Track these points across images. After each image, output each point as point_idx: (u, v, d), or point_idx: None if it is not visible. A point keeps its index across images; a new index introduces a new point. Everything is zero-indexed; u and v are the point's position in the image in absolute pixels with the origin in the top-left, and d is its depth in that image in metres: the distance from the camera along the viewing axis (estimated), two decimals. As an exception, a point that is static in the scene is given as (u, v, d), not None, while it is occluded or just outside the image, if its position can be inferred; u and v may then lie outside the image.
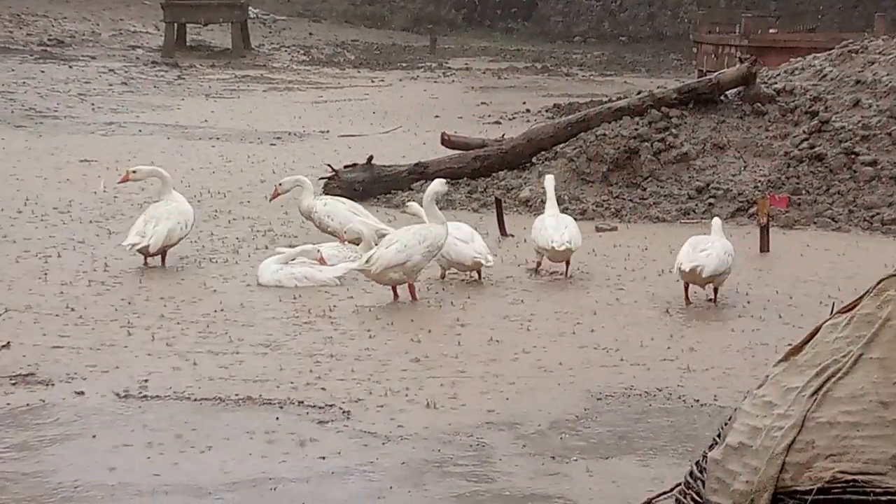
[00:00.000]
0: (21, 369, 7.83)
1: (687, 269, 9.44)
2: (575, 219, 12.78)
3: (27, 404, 7.25)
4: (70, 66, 27.46)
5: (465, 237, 10.32)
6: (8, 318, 9.00)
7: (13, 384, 7.58)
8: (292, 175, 12.73)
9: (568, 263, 10.55)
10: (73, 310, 9.24)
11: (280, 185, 11.75)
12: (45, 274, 10.31)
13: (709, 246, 9.60)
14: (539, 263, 10.62)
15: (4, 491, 6.09)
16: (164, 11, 31.79)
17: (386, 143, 18.00)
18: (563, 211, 13.00)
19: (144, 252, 10.59)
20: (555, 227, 10.48)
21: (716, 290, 9.68)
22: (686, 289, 9.64)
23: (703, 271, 9.39)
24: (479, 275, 10.34)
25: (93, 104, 22.42)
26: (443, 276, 10.41)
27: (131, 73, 27.39)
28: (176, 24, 31.90)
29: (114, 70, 27.42)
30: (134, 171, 11.18)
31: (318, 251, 10.42)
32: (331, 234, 11.26)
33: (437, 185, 10.01)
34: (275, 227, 12.35)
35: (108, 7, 36.41)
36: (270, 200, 12.11)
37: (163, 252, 10.68)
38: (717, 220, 10.11)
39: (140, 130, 19.41)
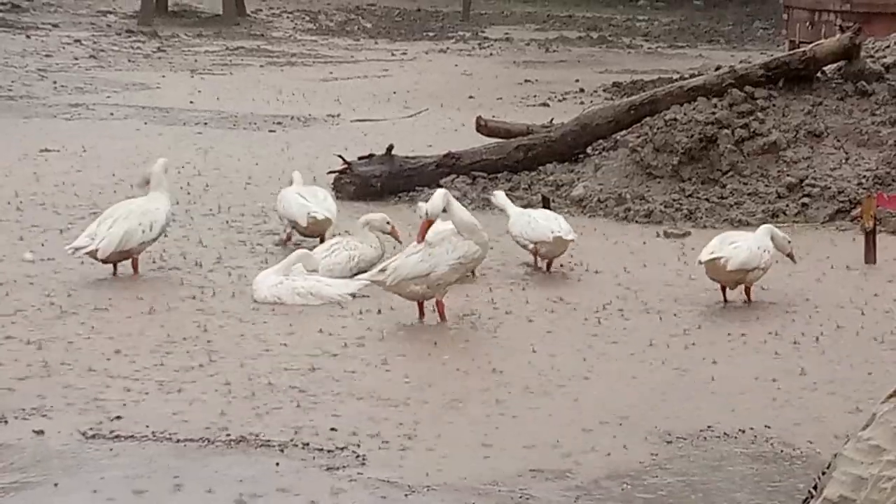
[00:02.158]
0: (-32, 403, 7.88)
1: (704, 259, 10.03)
2: (639, 222, 12.89)
3: (-24, 445, 7.30)
4: (28, 36, 27.64)
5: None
6: (-48, 340, 9.06)
7: (-41, 421, 7.63)
8: (293, 171, 12.78)
9: (550, 263, 11.16)
10: (30, 333, 9.29)
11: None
12: (-3, 288, 10.38)
13: (740, 240, 10.17)
14: (536, 261, 11.18)
15: (-52, 551, 6.13)
16: (142, -30, 31.95)
17: (409, 129, 18.05)
18: (625, 212, 13.08)
19: (94, 257, 10.60)
20: (545, 217, 11.14)
21: (747, 291, 10.12)
22: (723, 290, 10.14)
23: (727, 264, 9.88)
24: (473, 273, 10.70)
25: (55, 82, 22.56)
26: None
27: (101, 44, 27.55)
28: (155, -15, 32.04)
29: (80, 41, 27.59)
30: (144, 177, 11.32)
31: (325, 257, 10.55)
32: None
33: (378, 219, 10.90)
34: (273, 228, 12.37)
35: (73, -36, 36.60)
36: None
37: (121, 259, 10.65)
38: (764, 227, 10.56)
39: (111, 114, 19.52)
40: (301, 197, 11.78)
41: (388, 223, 11.14)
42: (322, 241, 11.55)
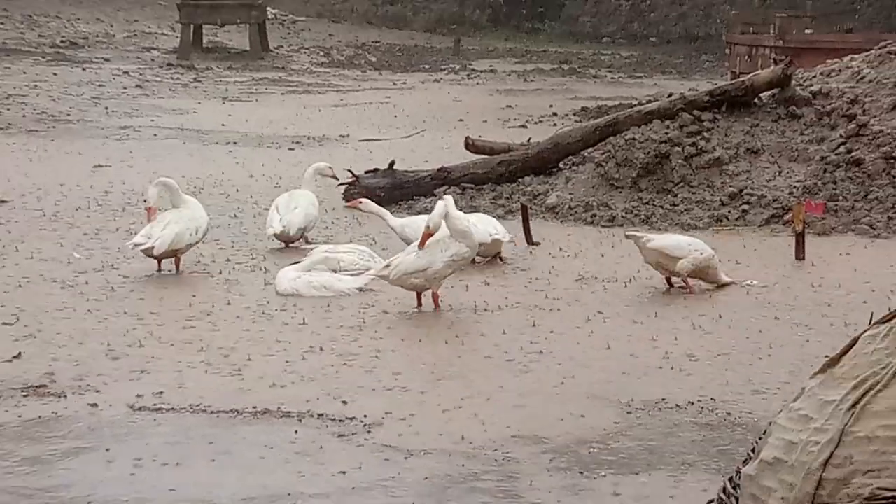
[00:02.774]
0: (33, 380, 7.86)
1: (627, 233, 10.69)
2: (604, 226, 12.88)
3: (39, 417, 7.27)
4: (83, 69, 27.58)
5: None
6: (20, 326, 9.03)
7: (24, 396, 7.60)
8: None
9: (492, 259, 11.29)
10: (86, 319, 9.28)
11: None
12: (57, 282, 10.34)
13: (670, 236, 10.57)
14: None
15: (16, 506, 6.12)
16: (180, 12, 31.89)
17: (408, 147, 18.02)
18: (592, 218, 13.06)
19: (149, 254, 10.61)
20: (483, 221, 11.19)
21: (670, 280, 10.34)
22: (667, 280, 10.33)
23: (646, 242, 10.21)
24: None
25: (107, 108, 22.51)
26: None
27: (146, 75, 27.49)
28: (192, 25, 31.98)
29: (128, 72, 27.53)
30: (145, 201, 11.02)
31: (340, 262, 10.48)
32: None
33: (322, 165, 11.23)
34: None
35: (122, 8, 36.56)
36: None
37: (170, 257, 10.67)
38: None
39: (155, 135, 19.47)
40: (276, 209, 11.84)
41: (329, 168, 11.80)
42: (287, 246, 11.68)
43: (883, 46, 15.73)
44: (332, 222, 13.00)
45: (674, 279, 10.33)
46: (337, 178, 12.84)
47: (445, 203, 9.67)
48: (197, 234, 10.80)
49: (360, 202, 11.54)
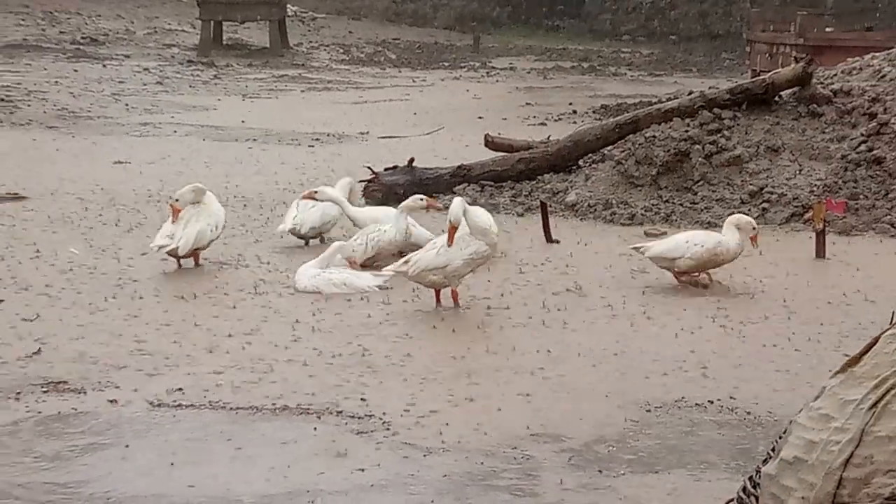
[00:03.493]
0: (53, 376, 7.88)
1: (632, 247, 10.63)
2: (623, 224, 12.86)
3: (59, 412, 7.29)
4: (104, 65, 27.65)
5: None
6: (40, 322, 9.06)
7: (45, 392, 7.62)
8: (326, 181, 12.76)
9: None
10: (105, 315, 9.29)
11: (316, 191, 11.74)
12: (76, 280, 10.37)
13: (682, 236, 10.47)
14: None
15: (36, 503, 6.13)
16: (200, 9, 31.95)
17: (428, 144, 18.02)
18: (611, 216, 13.04)
19: (173, 254, 10.64)
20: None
21: (679, 275, 10.29)
22: (676, 277, 10.34)
23: (645, 251, 10.30)
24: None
25: (127, 104, 22.56)
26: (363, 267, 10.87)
27: (166, 72, 27.54)
28: (212, 22, 32.06)
29: (148, 69, 27.59)
30: (177, 200, 10.99)
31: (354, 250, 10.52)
32: None
33: (412, 201, 10.73)
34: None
35: (142, 5, 36.64)
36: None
37: (193, 255, 10.73)
38: (730, 218, 10.66)
39: (175, 131, 19.51)
40: (296, 206, 11.83)
41: (421, 199, 10.93)
42: (307, 243, 11.63)
43: (904, 44, 15.68)
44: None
45: (690, 276, 10.33)
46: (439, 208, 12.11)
47: (461, 200, 9.68)
48: (217, 229, 10.86)
49: (316, 192, 11.54)
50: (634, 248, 10.56)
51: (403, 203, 10.95)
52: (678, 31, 39.41)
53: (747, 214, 12.90)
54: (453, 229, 9.51)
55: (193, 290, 10.07)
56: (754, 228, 10.42)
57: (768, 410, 7.43)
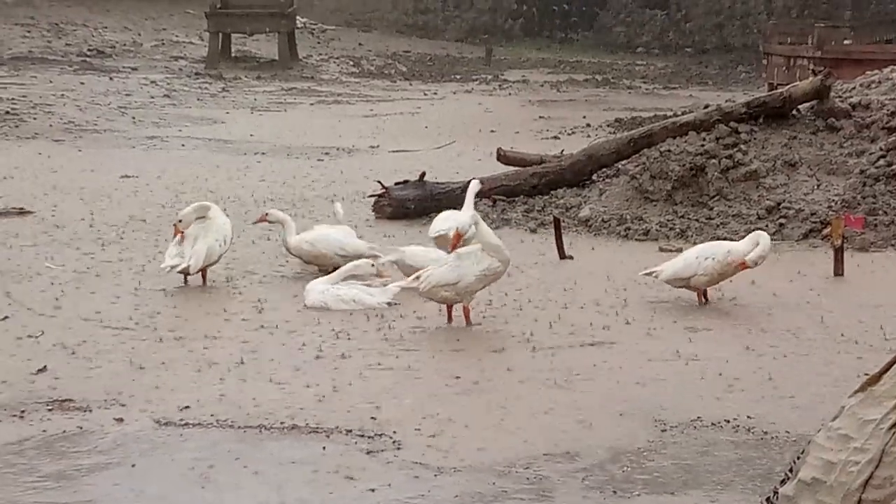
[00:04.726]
0: (58, 394, 7.89)
1: (644, 273, 10.53)
2: (638, 239, 12.85)
3: (64, 431, 7.29)
4: (111, 78, 27.70)
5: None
6: (44, 340, 9.06)
7: (49, 410, 7.63)
8: (335, 195, 12.76)
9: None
10: (111, 333, 9.30)
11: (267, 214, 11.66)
12: (82, 296, 10.38)
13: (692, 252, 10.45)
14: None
15: (40, 521, 6.13)
16: (208, 21, 32.01)
17: (439, 158, 18.02)
18: (626, 231, 13.03)
19: (185, 272, 10.67)
20: (443, 218, 11.34)
21: (703, 293, 10.32)
22: (698, 295, 10.33)
23: (658, 275, 10.33)
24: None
25: (134, 117, 22.59)
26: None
27: (174, 84, 27.58)
28: (220, 34, 32.10)
29: (156, 82, 27.63)
30: (180, 221, 10.92)
31: (374, 265, 10.44)
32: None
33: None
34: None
35: (150, 17, 36.70)
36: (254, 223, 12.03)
37: (203, 271, 10.76)
38: (756, 232, 10.66)
39: (183, 145, 19.54)
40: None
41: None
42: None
43: (924, 57, 15.67)
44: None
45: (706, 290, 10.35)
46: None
47: (473, 213, 9.70)
48: (225, 243, 10.90)
49: (267, 214, 11.55)
50: (647, 273, 10.52)
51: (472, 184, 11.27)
52: (693, 43, 39.40)
53: (764, 230, 12.91)
54: (459, 237, 9.51)
55: (201, 308, 10.08)
56: (756, 264, 10.25)
57: (786, 430, 7.41)
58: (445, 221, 11.41)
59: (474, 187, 11.24)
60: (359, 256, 10.88)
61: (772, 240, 12.53)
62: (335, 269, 10.59)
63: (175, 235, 10.83)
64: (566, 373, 8.46)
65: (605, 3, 40.74)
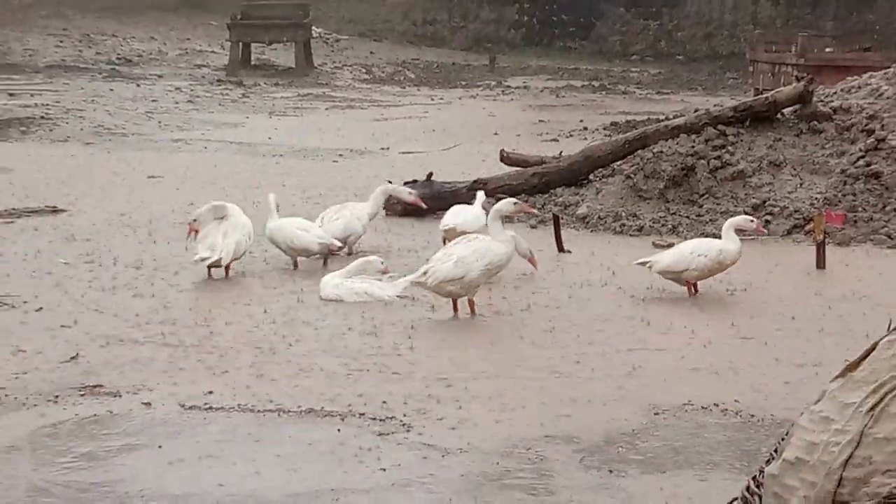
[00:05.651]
0: (89, 380, 7.90)
1: (638, 262, 10.40)
2: (632, 235, 12.84)
3: (95, 415, 7.31)
4: (138, 85, 27.72)
5: (305, 227, 11.23)
6: (77, 328, 9.07)
7: (81, 395, 7.64)
8: (350, 194, 12.76)
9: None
10: (139, 323, 9.31)
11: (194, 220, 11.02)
12: (113, 286, 10.39)
13: (685, 246, 10.39)
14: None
15: (73, 500, 6.14)
16: (230, 31, 32.05)
17: (446, 159, 18.02)
18: (621, 227, 13.03)
19: (216, 265, 10.67)
20: (453, 213, 11.62)
21: (693, 285, 10.25)
22: (687, 287, 10.25)
23: (652, 266, 10.26)
24: (325, 261, 11.21)
25: (159, 121, 22.60)
26: (295, 266, 11.12)
27: (197, 91, 27.59)
28: (241, 44, 32.14)
29: (180, 88, 27.65)
30: (195, 220, 10.92)
31: (382, 262, 10.44)
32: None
33: (505, 204, 9.96)
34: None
35: (175, 27, 36.72)
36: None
37: (228, 265, 10.77)
38: (727, 223, 10.56)
39: (205, 147, 19.54)
40: (321, 218, 11.84)
41: (515, 203, 10.07)
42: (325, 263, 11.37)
43: (901, 64, 15.64)
44: (375, 231, 12.98)
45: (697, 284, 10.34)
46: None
47: (501, 209, 9.84)
48: (250, 239, 10.96)
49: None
50: (641, 263, 10.45)
51: (496, 206, 9.96)
52: (684, 51, 39.36)
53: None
54: (522, 207, 10.04)
55: (223, 300, 10.08)
56: (752, 221, 10.52)
57: (771, 413, 7.41)
58: (456, 216, 11.51)
59: (494, 216, 9.77)
60: (305, 250, 11.11)
61: (757, 235, 12.60)
62: (296, 259, 11.05)
63: (189, 233, 10.87)
64: (565, 360, 8.46)
65: (602, 13, 40.70)
